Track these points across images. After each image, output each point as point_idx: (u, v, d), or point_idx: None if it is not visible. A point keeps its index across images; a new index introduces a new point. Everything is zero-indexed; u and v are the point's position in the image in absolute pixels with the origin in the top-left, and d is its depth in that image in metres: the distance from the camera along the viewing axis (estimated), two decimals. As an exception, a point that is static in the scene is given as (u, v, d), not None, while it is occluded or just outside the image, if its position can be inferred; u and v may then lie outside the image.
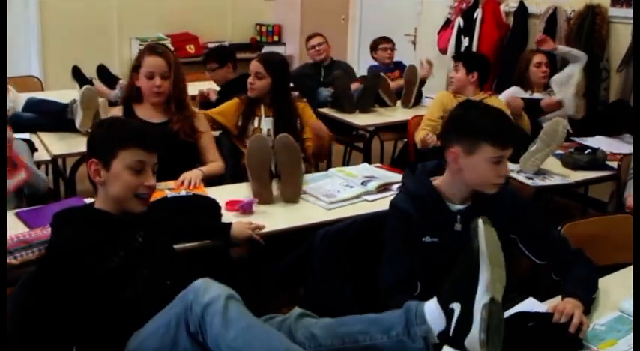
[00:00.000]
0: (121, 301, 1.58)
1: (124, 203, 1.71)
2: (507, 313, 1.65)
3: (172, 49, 6.44)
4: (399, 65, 5.08)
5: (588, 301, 1.74)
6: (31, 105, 3.60)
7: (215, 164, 2.85)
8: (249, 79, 3.23)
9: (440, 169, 1.97)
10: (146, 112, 2.80)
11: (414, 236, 1.89)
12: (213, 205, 2.32)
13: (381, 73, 4.61)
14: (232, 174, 3.05)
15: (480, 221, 1.50)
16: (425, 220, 1.89)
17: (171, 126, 2.78)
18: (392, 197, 2.57)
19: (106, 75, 4.21)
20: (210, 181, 2.75)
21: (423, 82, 4.65)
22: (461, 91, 3.71)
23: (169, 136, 2.73)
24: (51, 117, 3.46)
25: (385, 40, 5.08)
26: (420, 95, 4.62)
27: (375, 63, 5.11)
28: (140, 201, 1.72)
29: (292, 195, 2.56)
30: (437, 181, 1.95)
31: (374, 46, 5.09)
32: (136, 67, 2.78)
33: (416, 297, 1.73)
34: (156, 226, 1.81)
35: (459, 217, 1.91)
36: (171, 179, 2.59)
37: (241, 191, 2.63)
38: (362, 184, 2.71)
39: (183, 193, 2.45)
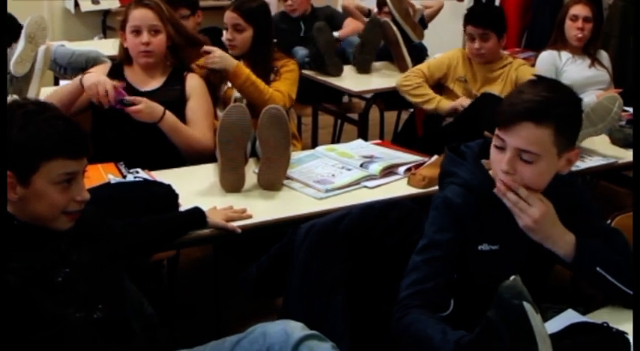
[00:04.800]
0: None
1: (49, 222, 1.65)
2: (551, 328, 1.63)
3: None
4: None
5: None
6: None
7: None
8: (227, 35, 3.28)
9: (486, 151, 1.92)
10: (136, 78, 2.90)
11: (465, 244, 1.86)
12: (168, 193, 2.30)
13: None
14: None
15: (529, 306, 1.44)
16: (482, 223, 1.86)
17: (167, 92, 2.86)
18: (398, 182, 2.64)
19: None
20: (168, 162, 2.72)
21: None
22: (490, 60, 3.69)
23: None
24: None
25: None
26: (421, 51, 4.55)
27: None
28: (69, 217, 1.67)
29: (274, 181, 2.54)
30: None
31: None
32: (122, 25, 2.87)
33: (446, 317, 1.75)
34: (82, 236, 1.74)
35: None
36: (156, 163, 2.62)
37: (204, 175, 2.62)
38: (361, 166, 2.70)
39: (130, 177, 2.44)
